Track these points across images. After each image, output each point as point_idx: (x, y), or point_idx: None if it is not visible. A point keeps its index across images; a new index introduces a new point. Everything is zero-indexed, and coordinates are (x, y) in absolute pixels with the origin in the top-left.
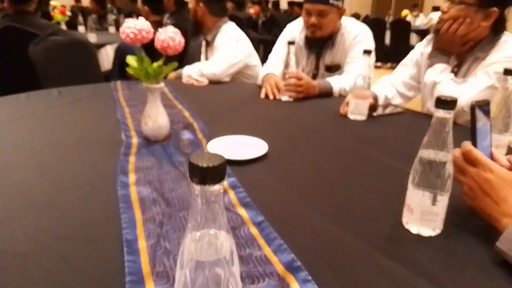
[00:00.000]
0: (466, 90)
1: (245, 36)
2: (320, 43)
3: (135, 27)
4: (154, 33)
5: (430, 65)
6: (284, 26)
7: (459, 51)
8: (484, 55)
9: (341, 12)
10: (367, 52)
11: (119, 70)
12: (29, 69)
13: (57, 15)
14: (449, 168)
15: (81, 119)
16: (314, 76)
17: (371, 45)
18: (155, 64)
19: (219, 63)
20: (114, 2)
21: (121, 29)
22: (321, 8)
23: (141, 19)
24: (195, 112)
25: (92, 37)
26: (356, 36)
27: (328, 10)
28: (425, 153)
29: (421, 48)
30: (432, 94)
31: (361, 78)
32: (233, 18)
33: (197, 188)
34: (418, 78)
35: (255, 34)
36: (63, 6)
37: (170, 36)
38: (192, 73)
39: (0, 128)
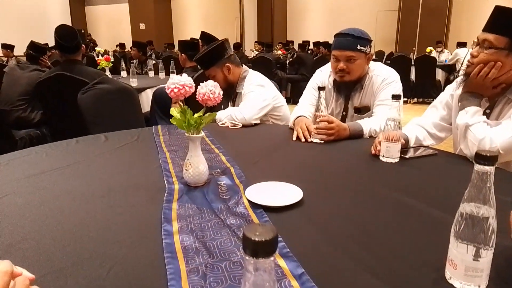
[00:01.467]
0: (501, 132)
1: (269, 81)
2: (349, 87)
3: (179, 82)
4: (196, 87)
5: (462, 107)
6: (310, 66)
7: (490, 93)
8: None
9: (368, 57)
10: (396, 96)
11: (157, 111)
12: (77, 115)
13: (102, 62)
14: (493, 223)
15: (126, 164)
16: (344, 118)
17: (399, 87)
18: (196, 115)
19: (250, 108)
20: (153, 47)
21: (166, 85)
22: (349, 54)
23: (184, 75)
24: (231, 157)
25: (134, 82)
26: (384, 79)
27: (356, 56)
28: (467, 208)
29: (451, 90)
30: (465, 136)
31: (392, 122)
32: (262, 59)
33: (249, 259)
34: (449, 120)
35: (283, 74)
36: (107, 53)
37: (210, 90)
38: (224, 118)
39: (53, 175)
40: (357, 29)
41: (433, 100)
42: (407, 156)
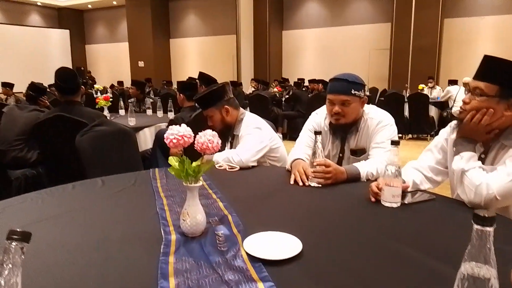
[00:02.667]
0: (497, 178)
1: (265, 123)
2: (344, 129)
3: (178, 133)
4: (194, 137)
5: (457, 152)
6: (306, 103)
7: (484, 139)
8: (511, 143)
9: (363, 101)
10: (395, 142)
11: (158, 152)
12: (74, 156)
13: (101, 101)
14: (495, 283)
15: (123, 212)
16: (340, 159)
17: (394, 130)
18: (194, 164)
19: (247, 151)
20: (151, 85)
21: (165, 135)
22: (344, 98)
23: (183, 125)
24: (229, 203)
25: (132, 121)
26: (379, 122)
27: (350, 100)
28: (468, 268)
29: (446, 135)
30: (461, 181)
31: (393, 167)
32: (259, 97)
33: None
34: (445, 164)
35: (279, 110)
36: (106, 91)
37: (209, 139)
38: (221, 160)
39: (48, 224)
40: (351, 74)
41: (427, 136)
42: (405, 202)
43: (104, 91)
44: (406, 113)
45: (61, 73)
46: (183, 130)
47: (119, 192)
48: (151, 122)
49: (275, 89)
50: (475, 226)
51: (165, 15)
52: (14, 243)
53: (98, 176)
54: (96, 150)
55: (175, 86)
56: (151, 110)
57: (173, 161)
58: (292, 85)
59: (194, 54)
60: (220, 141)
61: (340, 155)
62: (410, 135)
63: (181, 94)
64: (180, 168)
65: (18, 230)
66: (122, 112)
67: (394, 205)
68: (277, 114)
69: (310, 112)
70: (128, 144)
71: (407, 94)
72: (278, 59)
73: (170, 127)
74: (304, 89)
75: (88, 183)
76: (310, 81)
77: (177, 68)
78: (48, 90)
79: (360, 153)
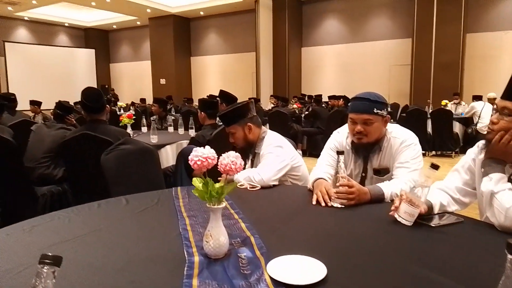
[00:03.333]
0: None
1: (287, 141)
2: (366, 148)
3: (202, 155)
4: (215, 146)
5: (485, 174)
6: (325, 119)
7: None
8: None
9: (385, 120)
10: (434, 166)
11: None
12: (99, 173)
13: (124, 119)
14: None
15: (147, 232)
16: (363, 179)
17: (418, 150)
18: (217, 185)
19: (268, 170)
20: (172, 102)
21: (190, 157)
22: (366, 117)
23: (207, 147)
24: (251, 223)
25: (154, 139)
26: (403, 142)
27: (373, 119)
28: None
29: (473, 155)
30: (490, 204)
31: (424, 190)
32: (278, 113)
33: None
34: (473, 185)
35: (298, 127)
36: (129, 108)
37: (232, 161)
38: (243, 179)
39: (75, 244)
40: (372, 93)
41: (452, 153)
42: (432, 225)
43: (127, 108)
44: (429, 129)
45: (87, 92)
46: (207, 152)
47: (142, 211)
48: (173, 139)
49: (295, 106)
50: (509, 257)
51: (186, 34)
52: (46, 268)
53: (122, 193)
54: (120, 168)
55: (195, 103)
56: (172, 127)
57: (196, 182)
58: (311, 101)
59: (214, 71)
60: (243, 162)
61: (363, 174)
62: (433, 152)
63: (202, 112)
64: (203, 189)
65: (49, 254)
66: (144, 129)
67: (404, 222)
68: (297, 131)
69: (330, 129)
70: (151, 162)
71: (430, 110)
72: (297, 75)
73: (194, 149)
74: (323, 105)
75: (112, 202)
76: (330, 97)
77: (197, 85)
78: (74, 108)
79: (383, 172)
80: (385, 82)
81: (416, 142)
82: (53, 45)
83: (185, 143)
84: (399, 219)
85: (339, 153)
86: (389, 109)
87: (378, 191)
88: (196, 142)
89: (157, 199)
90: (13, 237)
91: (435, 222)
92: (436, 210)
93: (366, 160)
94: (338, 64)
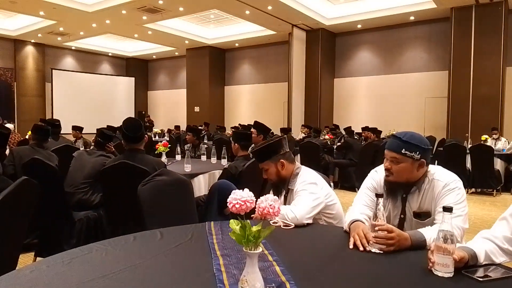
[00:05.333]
0: None
1: (321, 178)
2: (403, 188)
3: (241, 198)
4: (255, 202)
5: None
6: (358, 151)
7: None
8: None
9: (420, 163)
10: (448, 209)
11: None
12: (134, 202)
13: (160, 147)
14: None
15: (181, 270)
16: (402, 221)
17: (462, 194)
18: (254, 228)
19: (302, 208)
20: (207, 129)
21: (228, 199)
22: (393, 155)
23: (246, 190)
24: (286, 267)
25: (188, 168)
26: (446, 185)
27: (399, 158)
28: None
29: None
30: None
31: (442, 233)
32: (310, 144)
33: None
34: None
35: (330, 158)
36: (164, 134)
37: (270, 204)
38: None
39: (111, 280)
40: (410, 133)
41: (493, 191)
42: (479, 278)
43: (161, 134)
44: (468, 165)
45: (128, 123)
46: (246, 195)
47: (176, 247)
48: (206, 169)
49: (327, 137)
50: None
51: (221, 64)
52: None
53: (156, 224)
54: (155, 199)
55: (228, 131)
56: (205, 156)
57: (233, 224)
58: (344, 132)
59: (247, 100)
60: (281, 206)
61: (401, 216)
62: (473, 189)
63: (235, 144)
64: (241, 233)
65: None
66: (178, 157)
67: (446, 275)
68: (328, 162)
69: (363, 161)
70: (186, 194)
71: (469, 145)
72: (329, 106)
73: (233, 191)
74: (356, 137)
75: (147, 235)
76: (363, 129)
77: (230, 114)
78: (115, 135)
79: (424, 216)
80: (420, 114)
81: (460, 186)
82: (96, 73)
83: (217, 173)
84: (436, 272)
85: (378, 196)
86: (427, 153)
87: (419, 237)
88: (229, 173)
89: (191, 235)
90: (53, 269)
91: (480, 274)
92: (481, 260)
93: (404, 201)
94: (371, 96)
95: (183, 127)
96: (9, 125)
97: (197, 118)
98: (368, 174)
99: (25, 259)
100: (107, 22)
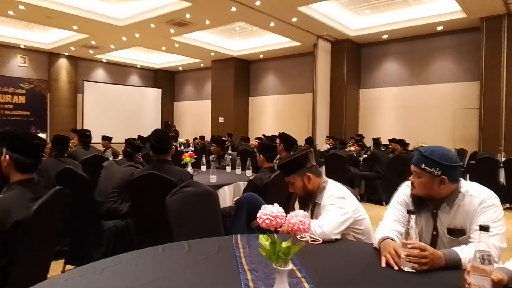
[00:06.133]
0: None
1: (349, 192)
2: (432, 203)
3: (271, 214)
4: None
5: None
6: (385, 163)
7: None
8: None
9: (441, 179)
10: (485, 229)
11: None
12: (161, 211)
13: (186, 158)
14: None
15: (209, 285)
16: (434, 237)
17: (500, 212)
18: (284, 244)
19: (330, 223)
20: (231, 139)
21: (258, 214)
22: (413, 168)
23: (276, 205)
24: (315, 285)
25: (213, 178)
26: (482, 202)
27: (418, 173)
28: None
29: None
30: None
31: (478, 253)
32: (335, 156)
33: None
34: None
35: (356, 170)
36: (189, 144)
37: (300, 220)
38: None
39: None
40: (432, 149)
41: None
42: None
43: (186, 144)
44: (502, 179)
45: (156, 134)
46: (276, 210)
47: (204, 259)
48: (231, 180)
49: (352, 148)
50: None
51: (246, 75)
52: None
53: (183, 234)
54: (183, 210)
55: (252, 141)
56: (230, 167)
57: (263, 240)
58: (369, 143)
59: (271, 111)
60: (311, 222)
61: (434, 233)
62: (507, 204)
63: (261, 155)
64: (271, 249)
65: None
66: (203, 167)
67: None
68: (354, 174)
69: (390, 174)
70: (212, 205)
71: (502, 158)
72: (355, 116)
73: (263, 206)
74: (383, 148)
75: (175, 247)
76: (390, 141)
77: (253, 124)
78: (143, 146)
79: (458, 233)
80: (449, 126)
81: (497, 203)
82: (125, 84)
83: (242, 184)
84: None
85: (410, 212)
86: (450, 170)
87: (454, 257)
88: (254, 185)
89: (218, 247)
90: (85, 278)
91: None
92: None
93: (435, 217)
94: (398, 107)
95: (208, 137)
96: (42, 135)
97: (222, 129)
98: (399, 188)
99: (55, 266)
100: (137, 35)
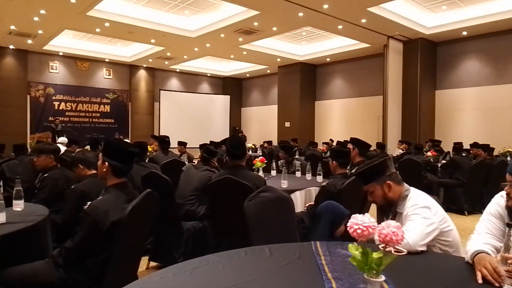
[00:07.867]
0: None
1: (434, 201)
2: None
3: (363, 224)
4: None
5: None
6: (467, 171)
7: None
8: None
9: None
10: None
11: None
12: (237, 215)
13: (257, 163)
14: None
15: None
16: None
17: None
18: (375, 255)
19: (415, 233)
20: (297, 144)
21: (349, 223)
22: (510, 178)
23: (367, 215)
24: None
25: (285, 184)
26: None
27: None
28: None
29: None
30: None
31: None
32: (410, 161)
33: None
34: None
35: (434, 177)
36: (256, 149)
37: (393, 231)
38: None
39: None
40: None
41: None
42: None
43: (254, 149)
44: None
45: (233, 141)
46: (368, 220)
47: (285, 265)
48: (302, 185)
49: (429, 153)
50: None
51: (312, 79)
52: None
53: (260, 239)
54: (260, 214)
55: (319, 146)
56: (299, 172)
57: (353, 249)
58: (448, 149)
59: (338, 115)
60: (404, 233)
61: None
62: None
63: (334, 161)
64: (362, 259)
65: None
66: (273, 172)
67: None
68: (432, 182)
69: (473, 182)
70: (288, 210)
71: None
72: (430, 119)
73: (353, 216)
74: (464, 154)
75: (257, 251)
76: (472, 145)
77: (320, 128)
78: (219, 152)
79: None
80: None
81: None
82: (196, 92)
83: (313, 190)
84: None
85: (510, 225)
86: None
87: None
88: (327, 191)
89: (298, 253)
90: (178, 277)
91: None
92: None
93: None
94: (479, 108)
95: (275, 142)
96: (126, 141)
97: (288, 133)
98: (492, 199)
99: (140, 263)
100: (207, 45)
